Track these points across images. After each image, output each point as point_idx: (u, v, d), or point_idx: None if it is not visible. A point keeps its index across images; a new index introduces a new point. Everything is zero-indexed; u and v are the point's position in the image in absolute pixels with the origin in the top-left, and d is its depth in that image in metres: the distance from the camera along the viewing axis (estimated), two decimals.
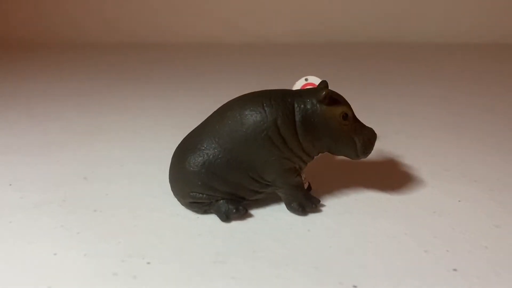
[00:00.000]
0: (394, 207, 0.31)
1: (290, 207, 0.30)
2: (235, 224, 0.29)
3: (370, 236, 0.28)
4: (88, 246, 0.27)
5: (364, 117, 0.33)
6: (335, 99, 0.29)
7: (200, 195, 0.29)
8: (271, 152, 0.28)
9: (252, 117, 0.28)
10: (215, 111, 0.31)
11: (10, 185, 0.36)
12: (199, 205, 0.30)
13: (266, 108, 0.28)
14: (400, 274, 0.24)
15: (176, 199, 0.32)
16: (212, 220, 0.30)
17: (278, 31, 1.14)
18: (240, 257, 0.26)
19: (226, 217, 0.29)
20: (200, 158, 0.29)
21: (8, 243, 0.28)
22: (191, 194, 0.30)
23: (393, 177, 0.36)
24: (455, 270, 0.24)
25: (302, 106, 0.29)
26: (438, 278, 0.24)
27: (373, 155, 0.40)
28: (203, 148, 0.29)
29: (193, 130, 0.32)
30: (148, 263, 0.25)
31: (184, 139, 0.32)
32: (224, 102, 0.31)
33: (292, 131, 0.28)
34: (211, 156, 0.29)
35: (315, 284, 0.23)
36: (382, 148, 0.42)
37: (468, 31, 1.07)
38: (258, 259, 0.26)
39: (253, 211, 0.31)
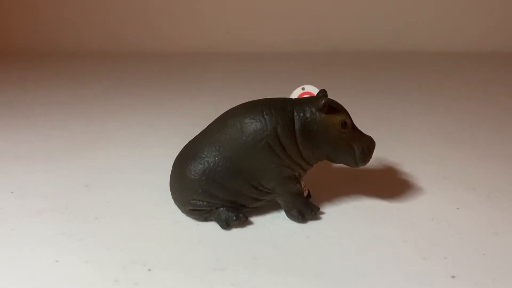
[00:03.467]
0: (393, 214, 0.32)
1: (289, 215, 0.31)
2: (235, 231, 0.30)
3: (369, 243, 0.28)
4: (90, 253, 0.27)
5: (362, 125, 0.33)
6: (334, 108, 0.30)
7: (201, 202, 0.30)
8: (271, 159, 0.29)
9: (252, 125, 0.29)
10: (215, 119, 0.32)
11: (12, 192, 0.36)
12: (199, 213, 0.30)
13: (266, 116, 0.29)
14: (398, 281, 0.24)
15: (176, 207, 0.32)
16: (212, 227, 0.30)
17: (275, 41, 1.15)
18: (240, 264, 0.26)
19: (226, 224, 0.30)
20: (201, 166, 0.29)
21: (10, 250, 0.28)
22: (192, 201, 0.30)
23: (392, 185, 0.36)
24: (453, 277, 0.25)
25: (301, 114, 0.29)
26: (437, 285, 0.24)
27: (372, 162, 0.40)
28: (204, 155, 0.29)
29: (194, 138, 0.32)
30: (149, 270, 0.26)
31: (184, 147, 0.32)
32: (224, 110, 0.32)
33: (292, 139, 0.29)
34: (211, 164, 0.29)
35: None
36: (380, 155, 0.42)
37: (467, 40, 1.07)
38: (258, 266, 0.26)
39: (253, 219, 0.31)
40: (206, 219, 0.31)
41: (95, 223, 0.31)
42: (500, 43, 1.05)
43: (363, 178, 0.38)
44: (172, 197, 0.32)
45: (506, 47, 1.04)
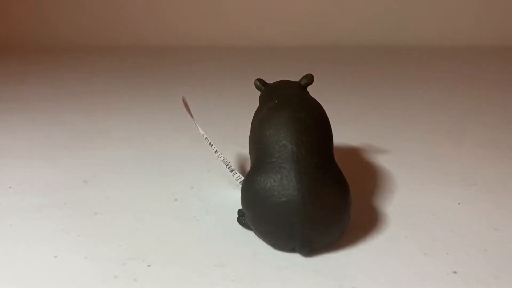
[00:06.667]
0: (394, 210, 0.31)
1: None
2: (235, 228, 0.29)
3: (370, 238, 0.28)
4: (89, 249, 0.27)
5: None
6: None
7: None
8: None
9: None
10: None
11: (11, 188, 0.36)
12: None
13: None
14: (400, 276, 0.24)
15: (176, 204, 0.32)
16: (212, 223, 0.30)
17: (276, 35, 1.15)
18: (241, 260, 0.26)
19: None
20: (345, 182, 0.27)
21: (9, 246, 0.28)
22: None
23: (393, 180, 0.36)
24: (454, 272, 0.24)
25: None
26: (438, 280, 0.24)
27: (373, 158, 0.40)
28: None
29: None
30: (149, 266, 0.25)
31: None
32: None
33: None
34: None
35: (315, 287, 0.24)
36: (381, 152, 0.42)
37: (465, 34, 1.07)
38: (258, 262, 0.26)
39: None
40: None
41: (94, 219, 0.31)
42: (501, 37, 1.05)
43: (364, 174, 0.37)
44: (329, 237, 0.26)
45: (507, 40, 1.04)
